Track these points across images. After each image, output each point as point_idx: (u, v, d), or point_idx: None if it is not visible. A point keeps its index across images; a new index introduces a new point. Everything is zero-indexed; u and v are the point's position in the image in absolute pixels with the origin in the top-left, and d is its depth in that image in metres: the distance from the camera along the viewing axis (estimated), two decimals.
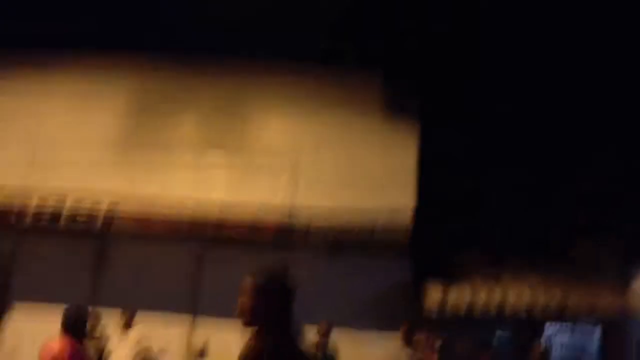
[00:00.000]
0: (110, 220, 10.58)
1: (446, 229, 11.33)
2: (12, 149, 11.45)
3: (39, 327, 7.98)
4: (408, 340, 9.49)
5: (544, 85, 11.34)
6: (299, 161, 11.46)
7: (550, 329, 10.74)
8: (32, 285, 10.65)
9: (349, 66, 11.72)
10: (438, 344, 7.64)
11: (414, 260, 10.97)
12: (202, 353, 10.76)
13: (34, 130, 11.57)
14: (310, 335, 8.55)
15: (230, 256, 9.94)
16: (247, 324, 3.19)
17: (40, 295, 10.37)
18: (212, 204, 10.83)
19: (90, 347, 9.39)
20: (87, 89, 11.84)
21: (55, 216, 10.46)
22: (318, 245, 10.81)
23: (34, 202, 10.50)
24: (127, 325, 9.71)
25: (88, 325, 6.03)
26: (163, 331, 10.24)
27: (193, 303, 10.78)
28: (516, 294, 10.41)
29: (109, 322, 9.72)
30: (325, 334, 9.26)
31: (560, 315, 10.53)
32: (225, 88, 11.98)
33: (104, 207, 10.56)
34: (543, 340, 9.67)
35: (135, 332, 9.64)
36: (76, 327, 5.73)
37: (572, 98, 11.32)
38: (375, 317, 10.51)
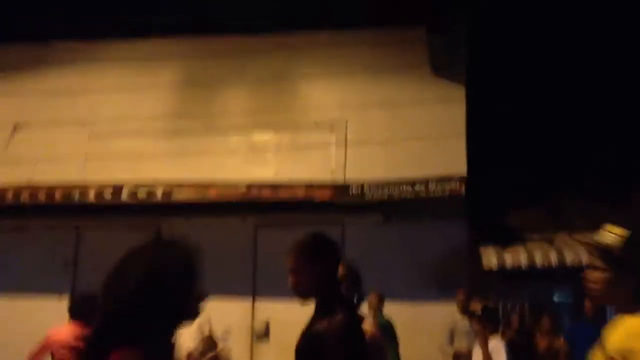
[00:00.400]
0: (166, 206, 10.72)
1: (500, 188, 11.15)
2: (67, 141, 11.80)
3: None
4: (465, 309, 9.47)
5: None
6: (348, 127, 11.47)
7: None
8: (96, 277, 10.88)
9: (391, 26, 11.50)
10: (479, 309, 7.45)
11: (468, 223, 10.87)
12: (263, 333, 10.90)
13: (87, 120, 11.87)
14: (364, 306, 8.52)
15: (285, 233, 10.00)
16: (300, 299, 3.22)
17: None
18: (263, 179, 10.92)
19: None
20: (135, 77, 12.05)
21: (113, 206, 10.65)
22: (371, 212, 10.76)
23: (91, 195, 10.69)
24: None
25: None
26: (224, 314, 10.38)
27: (253, 284, 10.91)
28: (573, 253, 10.25)
29: None
30: (376, 308, 9.16)
31: None
32: (271, 63, 12.00)
33: (159, 193, 10.69)
34: None
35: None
36: (84, 314, 5.97)
37: None
38: (431, 283, 10.48)
